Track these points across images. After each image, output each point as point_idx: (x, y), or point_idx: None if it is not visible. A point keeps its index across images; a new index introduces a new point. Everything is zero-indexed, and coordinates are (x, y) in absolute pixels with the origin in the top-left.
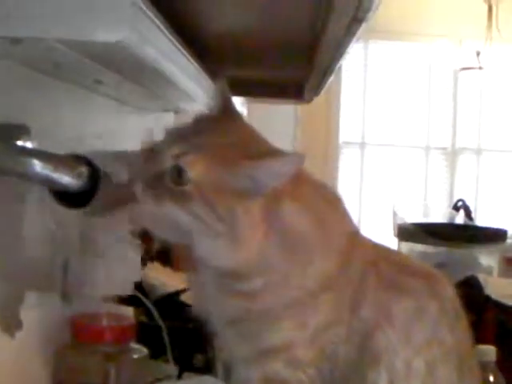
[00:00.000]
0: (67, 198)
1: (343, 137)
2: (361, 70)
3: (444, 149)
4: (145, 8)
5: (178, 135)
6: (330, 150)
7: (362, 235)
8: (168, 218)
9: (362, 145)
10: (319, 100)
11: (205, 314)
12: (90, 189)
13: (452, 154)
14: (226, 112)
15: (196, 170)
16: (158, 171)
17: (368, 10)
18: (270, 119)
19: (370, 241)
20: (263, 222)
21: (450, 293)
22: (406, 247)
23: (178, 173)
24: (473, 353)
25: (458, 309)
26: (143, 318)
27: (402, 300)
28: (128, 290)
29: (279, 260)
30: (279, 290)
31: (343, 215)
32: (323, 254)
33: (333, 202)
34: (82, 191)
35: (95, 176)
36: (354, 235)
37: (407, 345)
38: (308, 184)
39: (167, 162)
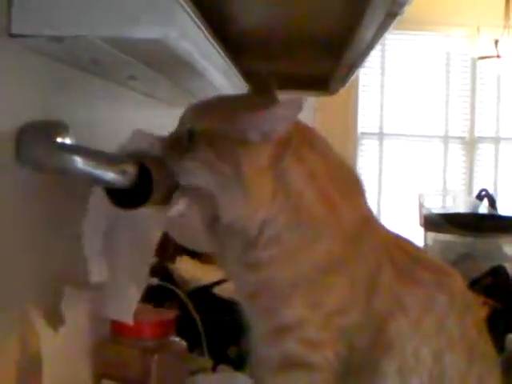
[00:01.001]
0: (123, 197)
1: (362, 127)
2: (378, 60)
3: (462, 138)
4: (184, 4)
5: (196, 106)
6: (348, 140)
7: (377, 221)
8: (186, 175)
9: (381, 135)
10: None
11: (236, 296)
12: (145, 188)
13: (470, 144)
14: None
15: (200, 123)
16: (176, 135)
17: (403, 4)
18: None
19: (384, 228)
20: (270, 171)
21: (459, 286)
22: (432, 237)
23: (190, 131)
24: (485, 344)
25: (468, 302)
26: (176, 312)
27: (414, 290)
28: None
29: (285, 226)
30: (285, 264)
31: (358, 197)
32: (332, 233)
33: (347, 182)
34: (137, 190)
35: (146, 174)
36: (368, 220)
37: (417, 335)
38: (320, 156)
39: (183, 126)
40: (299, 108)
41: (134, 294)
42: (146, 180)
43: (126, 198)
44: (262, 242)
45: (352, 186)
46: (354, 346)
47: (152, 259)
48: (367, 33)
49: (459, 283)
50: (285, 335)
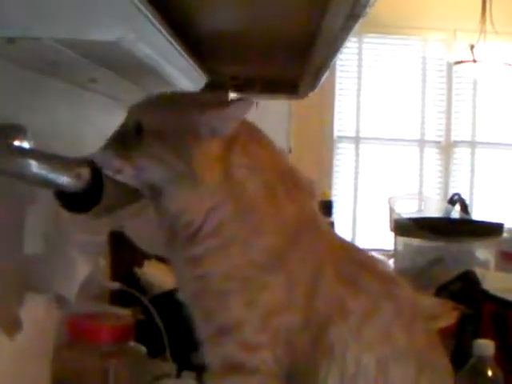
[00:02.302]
0: (72, 201)
1: (338, 131)
2: (354, 64)
3: (438, 142)
4: (141, 6)
5: (144, 101)
6: (324, 144)
7: (329, 228)
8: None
9: (357, 139)
10: (313, 95)
11: (181, 295)
12: (95, 192)
13: (446, 148)
14: None
15: (149, 117)
16: (123, 131)
17: (365, 5)
18: (264, 114)
19: (335, 235)
20: (218, 163)
21: (407, 297)
22: (403, 242)
23: (137, 125)
24: (437, 354)
25: (417, 312)
26: (140, 317)
27: (358, 296)
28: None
29: (226, 218)
30: (220, 256)
31: (304, 198)
32: (270, 227)
33: (294, 181)
34: (87, 194)
35: (98, 178)
36: (313, 221)
37: (358, 341)
38: (267, 153)
39: (130, 121)
40: (248, 108)
41: (82, 270)
42: (97, 183)
43: (76, 201)
44: (202, 234)
45: (298, 187)
46: (296, 348)
47: (102, 238)
48: (330, 34)
49: (407, 293)
50: (224, 338)
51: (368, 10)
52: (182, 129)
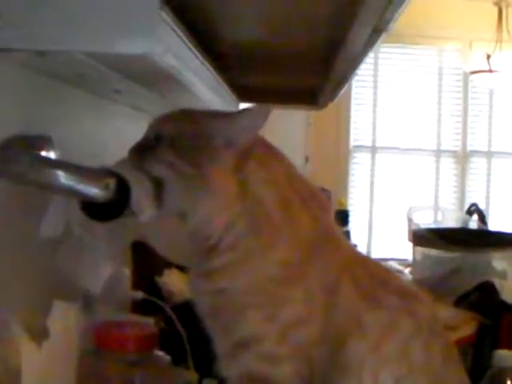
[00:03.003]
0: (96, 210)
1: (354, 141)
2: (371, 74)
3: (454, 152)
4: (168, 19)
5: (165, 114)
6: (341, 154)
7: (346, 242)
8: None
9: (373, 149)
10: (330, 104)
11: (199, 313)
12: (118, 201)
13: (462, 158)
14: None
15: (167, 127)
16: (144, 142)
17: (390, 20)
18: (281, 124)
19: (353, 249)
20: (234, 175)
21: (427, 312)
22: (421, 252)
23: (156, 136)
24: (454, 371)
25: (436, 329)
26: (162, 325)
27: (376, 312)
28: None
29: (243, 232)
30: (238, 270)
31: (320, 212)
32: (286, 240)
33: (310, 195)
34: (110, 203)
35: (123, 187)
36: (329, 234)
37: (376, 357)
38: (283, 167)
39: (151, 133)
40: (265, 117)
41: (109, 266)
42: (122, 192)
43: (100, 210)
44: (220, 248)
45: (314, 201)
46: (315, 363)
47: (131, 239)
48: (354, 48)
49: (427, 308)
50: (244, 351)
51: (392, 25)
52: (197, 139)
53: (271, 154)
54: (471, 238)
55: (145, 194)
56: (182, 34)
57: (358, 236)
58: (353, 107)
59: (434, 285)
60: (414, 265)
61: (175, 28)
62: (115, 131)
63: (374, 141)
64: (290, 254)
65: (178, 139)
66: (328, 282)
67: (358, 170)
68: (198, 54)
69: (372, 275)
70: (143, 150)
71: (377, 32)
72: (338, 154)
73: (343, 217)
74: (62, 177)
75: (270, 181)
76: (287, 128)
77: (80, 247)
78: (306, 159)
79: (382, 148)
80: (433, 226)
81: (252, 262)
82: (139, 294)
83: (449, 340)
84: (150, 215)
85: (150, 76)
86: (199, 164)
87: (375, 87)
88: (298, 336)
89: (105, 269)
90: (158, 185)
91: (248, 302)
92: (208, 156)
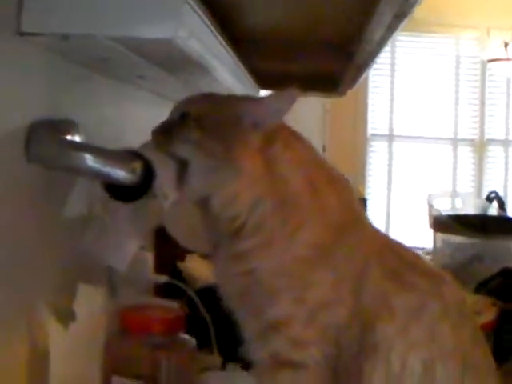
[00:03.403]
0: (119, 192)
1: (371, 129)
2: (388, 62)
3: (472, 140)
4: (192, 3)
5: (191, 95)
6: (358, 142)
7: (373, 225)
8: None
9: (390, 137)
10: (347, 93)
11: (225, 298)
12: (142, 182)
13: (480, 146)
14: None
15: (194, 107)
16: (168, 122)
17: (413, 4)
18: (298, 112)
19: (380, 232)
20: (260, 155)
21: (455, 295)
22: (441, 239)
23: (182, 114)
24: (481, 354)
25: (464, 311)
26: (185, 309)
27: (404, 294)
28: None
29: (269, 211)
30: (265, 252)
31: (345, 193)
32: (314, 221)
33: (334, 177)
34: (135, 185)
35: (148, 170)
36: (356, 216)
37: (404, 340)
38: (308, 149)
39: (176, 112)
40: (292, 102)
41: (133, 244)
42: (147, 175)
43: (123, 191)
44: (247, 229)
45: (338, 182)
46: (343, 345)
47: (154, 222)
48: (376, 33)
49: (455, 291)
50: (272, 334)
51: (414, 9)
52: (224, 119)
53: (296, 137)
54: (492, 225)
55: (169, 179)
56: (205, 19)
57: (376, 224)
58: (370, 96)
59: (455, 271)
60: (434, 251)
61: (199, 12)
62: (137, 117)
63: (391, 129)
64: (318, 235)
65: (205, 119)
66: (356, 264)
67: (376, 158)
68: (221, 39)
69: (399, 258)
70: (168, 131)
71: (399, 16)
72: (356, 143)
73: (361, 204)
74: (90, 160)
75: (296, 161)
76: (305, 116)
77: (105, 227)
78: (324, 148)
79: (399, 136)
80: (452, 212)
81: (279, 242)
82: (163, 278)
83: (476, 323)
84: (173, 200)
85: (173, 61)
86: (227, 143)
87: (392, 76)
88: (325, 318)
89: (130, 248)
90: (182, 166)
91: (276, 283)
92: (236, 136)
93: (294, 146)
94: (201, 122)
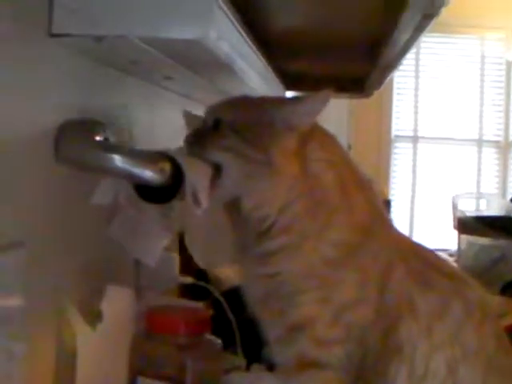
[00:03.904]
0: (149, 193)
1: (396, 130)
2: (412, 63)
3: (497, 142)
4: (223, 5)
5: (222, 101)
6: (382, 143)
7: (395, 227)
8: (210, 164)
9: (415, 138)
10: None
11: (249, 299)
12: (172, 184)
13: (505, 147)
14: None
15: (227, 113)
16: (201, 129)
17: (441, 5)
18: (323, 113)
19: (403, 235)
20: (295, 157)
21: (478, 296)
22: (466, 240)
23: (215, 121)
24: (505, 356)
25: (487, 312)
26: (210, 311)
27: (428, 295)
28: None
29: (300, 213)
30: (293, 253)
31: (373, 196)
32: (343, 221)
33: (363, 179)
34: (164, 187)
35: (178, 171)
36: (382, 218)
37: (428, 340)
38: (340, 149)
39: (209, 119)
40: (325, 102)
41: (162, 239)
42: (176, 176)
43: (152, 192)
44: (275, 230)
45: (367, 185)
46: (368, 345)
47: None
48: (404, 34)
49: (477, 293)
50: (296, 335)
51: (442, 10)
52: (258, 123)
53: (328, 138)
54: None
55: (204, 186)
56: (234, 21)
57: (400, 226)
58: (395, 97)
59: (479, 273)
60: (458, 253)
61: (229, 14)
62: (167, 119)
63: (415, 130)
64: (345, 236)
65: (240, 124)
66: (381, 265)
67: (400, 159)
68: (249, 41)
69: (423, 259)
70: (201, 137)
71: (427, 17)
72: (380, 144)
73: (385, 206)
74: (119, 160)
75: (328, 161)
76: (330, 117)
77: (130, 218)
78: (349, 147)
79: (423, 138)
80: (476, 214)
81: (307, 243)
82: (188, 279)
83: (499, 325)
84: (206, 206)
85: (202, 62)
86: (263, 148)
87: (417, 77)
88: (350, 318)
89: (158, 244)
90: (216, 171)
91: (302, 285)
92: (272, 139)
93: (326, 147)
94: (235, 127)
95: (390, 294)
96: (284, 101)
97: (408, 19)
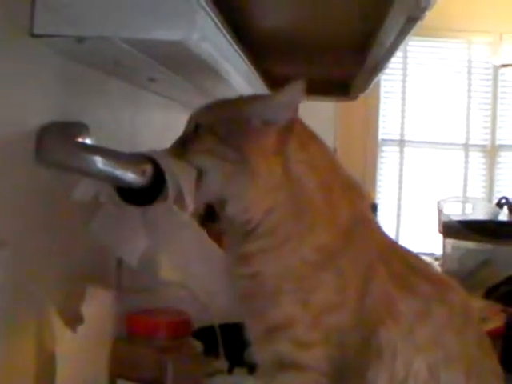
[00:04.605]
0: (131, 195)
1: (382, 134)
2: (400, 67)
3: (483, 146)
4: (206, 6)
5: (203, 105)
6: (369, 147)
7: (381, 230)
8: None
9: (402, 142)
10: (359, 97)
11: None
12: (154, 186)
13: (491, 152)
14: None
15: (205, 117)
16: (184, 135)
17: (425, 8)
18: (310, 116)
19: (388, 237)
20: (276, 158)
21: (460, 300)
22: (451, 244)
23: (196, 127)
24: (488, 360)
25: (470, 316)
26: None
27: (410, 299)
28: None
29: (283, 217)
30: (273, 255)
31: (356, 197)
32: (325, 225)
33: (345, 180)
34: (146, 189)
35: (159, 173)
36: (364, 220)
37: (409, 345)
38: (321, 149)
39: (190, 125)
40: (299, 94)
41: (143, 239)
42: (158, 178)
43: (134, 194)
44: (259, 232)
45: (350, 186)
46: (346, 348)
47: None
48: (388, 37)
49: (460, 297)
50: (276, 335)
51: (426, 13)
52: (235, 122)
53: (310, 137)
54: (502, 230)
55: (188, 188)
56: (218, 22)
57: (386, 229)
58: (382, 100)
59: (464, 277)
60: (443, 257)
61: (212, 15)
62: (148, 121)
63: (402, 134)
64: (327, 239)
65: (217, 126)
66: (362, 268)
67: (386, 163)
68: (233, 42)
69: (405, 263)
70: (183, 143)
71: (412, 20)
72: (366, 147)
73: (371, 210)
74: (100, 162)
75: (311, 164)
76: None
77: (112, 216)
78: (335, 150)
79: (410, 142)
80: (462, 218)
81: (289, 245)
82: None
83: (482, 329)
84: (191, 209)
85: (185, 63)
86: (240, 147)
87: (404, 80)
88: (329, 321)
89: (139, 244)
90: (198, 176)
91: (282, 286)
92: (248, 138)
93: (308, 148)
94: (214, 130)
95: (371, 298)
96: (258, 97)
97: (392, 22)
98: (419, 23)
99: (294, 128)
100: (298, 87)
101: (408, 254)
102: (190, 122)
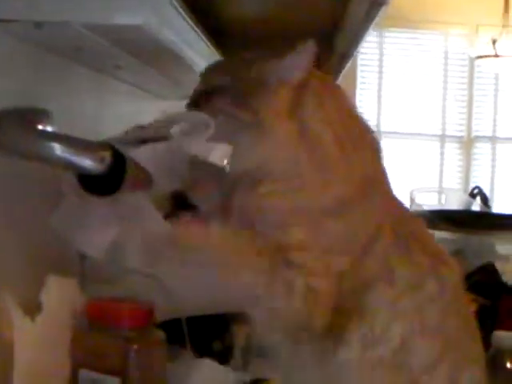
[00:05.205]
0: (94, 184)
1: None
2: (376, 58)
3: (459, 137)
4: None
5: (212, 63)
6: None
7: (392, 192)
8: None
9: (378, 133)
10: None
11: None
12: (116, 175)
13: (467, 143)
14: None
15: (218, 77)
16: (195, 94)
17: None
18: None
19: (398, 200)
20: (291, 115)
21: (454, 279)
22: None
23: (207, 87)
24: (471, 341)
25: (459, 297)
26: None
27: (406, 269)
28: None
29: (302, 167)
30: (289, 196)
31: (370, 153)
32: (342, 178)
33: (361, 136)
34: (109, 178)
35: (120, 162)
36: (378, 180)
37: (391, 311)
38: (338, 105)
39: (202, 86)
40: (311, 52)
41: (110, 230)
42: (119, 166)
43: (98, 184)
44: (272, 178)
45: (365, 142)
46: (336, 293)
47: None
48: (353, 23)
49: (455, 276)
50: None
51: None
52: (250, 83)
53: (326, 89)
54: (474, 220)
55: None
56: (179, 7)
57: None
58: (358, 91)
59: None
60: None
61: (173, 1)
62: (116, 109)
63: (378, 125)
64: (343, 190)
65: (227, 86)
66: (372, 227)
67: None
68: (197, 29)
69: (411, 231)
70: (195, 103)
71: (376, 5)
72: None
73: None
74: (57, 148)
75: (327, 120)
76: None
77: (74, 207)
78: None
79: (386, 132)
80: (436, 208)
81: (305, 192)
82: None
83: (469, 308)
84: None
85: (147, 49)
86: (256, 109)
87: (380, 72)
88: (333, 261)
89: (106, 234)
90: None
91: (291, 219)
92: (263, 99)
93: (324, 103)
94: (223, 90)
95: (372, 258)
96: (271, 58)
97: (356, 7)
98: (393, 13)
99: (308, 87)
100: (309, 47)
101: (414, 221)
102: (200, 82)
